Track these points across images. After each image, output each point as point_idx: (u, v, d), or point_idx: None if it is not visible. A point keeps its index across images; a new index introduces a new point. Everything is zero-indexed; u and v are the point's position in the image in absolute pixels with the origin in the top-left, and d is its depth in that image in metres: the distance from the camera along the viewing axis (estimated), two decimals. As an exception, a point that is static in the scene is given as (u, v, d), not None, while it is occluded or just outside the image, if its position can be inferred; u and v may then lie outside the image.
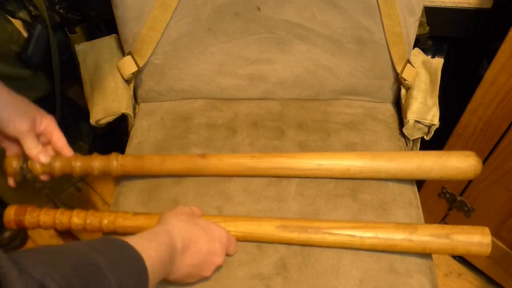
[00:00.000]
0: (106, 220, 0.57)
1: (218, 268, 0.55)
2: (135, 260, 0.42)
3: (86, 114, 0.73)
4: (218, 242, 0.53)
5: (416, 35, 0.71)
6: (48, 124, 0.59)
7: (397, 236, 0.56)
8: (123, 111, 0.71)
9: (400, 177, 0.63)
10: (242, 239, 0.58)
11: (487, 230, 0.55)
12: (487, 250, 0.55)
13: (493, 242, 0.91)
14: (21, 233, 1.07)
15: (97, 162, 0.60)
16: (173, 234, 0.49)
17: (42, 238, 1.09)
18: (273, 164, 0.63)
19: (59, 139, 0.61)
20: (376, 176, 0.63)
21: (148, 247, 0.44)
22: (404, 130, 0.70)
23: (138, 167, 0.61)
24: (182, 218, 0.52)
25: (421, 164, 0.61)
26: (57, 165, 0.59)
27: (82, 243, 0.40)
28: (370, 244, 0.56)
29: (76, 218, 0.58)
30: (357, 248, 0.57)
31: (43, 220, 0.57)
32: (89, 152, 1.18)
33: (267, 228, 0.57)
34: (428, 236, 0.55)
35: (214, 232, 0.54)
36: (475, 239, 0.55)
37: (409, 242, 0.55)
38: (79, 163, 0.60)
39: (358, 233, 0.56)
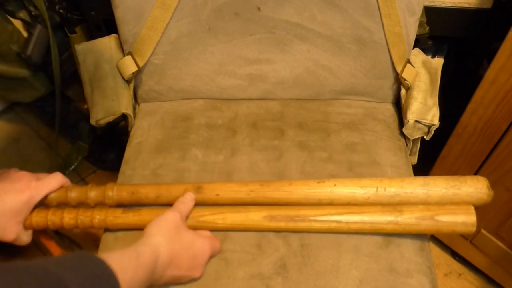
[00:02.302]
0: (97, 218, 0.58)
1: (195, 279, 0.55)
2: (107, 278, 0.41)
3: (86, 114, 0.73)
4: (199, 259, 0.54)
5: (416, 35, 0.71)
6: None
7: (383, 219, 0.56)
8: (123, 111, 0.71)
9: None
10: (231, 230, 0.59)
11: (472, 209, 0.55)
12: (472, 229, 0.55)
13: (493, 242, 0.91)
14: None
15: (93, 193, 0.60)
16: (156, 253, 0.48)
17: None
18: (272, 198, 0.60)
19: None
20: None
21: (127, 267, 0.44)
22: (404, 130, 0.70)
23: (133, 201, 0.61)
24: (167, 235, 0.51)
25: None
26: (53, 196, 0.59)
27: (53, 260, 0.40)
28: (357, 229, 0.57)
29: (67, 218, 0.58)
30: (344, 232, 0.58)
31: (35, 221, 0.57)
32: (89, 152, 1.19)
33: (255, 219, 0.58)
34: (414, 218, 0.55)
35: (197, 248, 0.54)
36: (460, 219, 0.55)
37: (395, 225, 0.56)
38: (74, 194, 0.60)
39: (344, 218, 0.57)
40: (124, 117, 0.74)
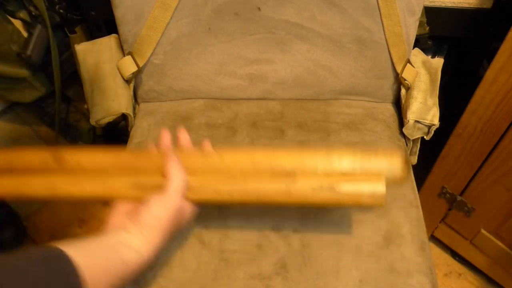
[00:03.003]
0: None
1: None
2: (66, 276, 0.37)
3: (86, 114, 0.73)
4: (183, 225, 0.51)
5: (416, 35, 0.71)
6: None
7: (272, 188, 0.48)
8: (123, 111, 0.71)
9: None
10: (92, 199, 0.56)
11: (381, 178, 0.47)
12: (381, 201, 0.47)
13: (493, 242, 0.91)
14: (21, 233, 1.07)
15: None
16: (145, 262, 0.45)
17: (42, 238, 1.09)
18: (140, 169, 0.52)
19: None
20: None
21: (101, 276, 0.40)
22: (404, 130, 0.70)
23: None
24: (167, 232, 0.47)
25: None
26: None
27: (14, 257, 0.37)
28: (241, 200, 0.49)
29: None
30: (229, 204, 0.51)
31: None
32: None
33: (117, 187, 0.50)
34: (309, 189, 0.47)
35: (184, 221, 0.50)
36: (366, 188, 0.47)
37: (286, 196, 0.47)
38: None
39: (226, 188, 0.49)
40: (124, 117, 0.74)
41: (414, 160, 0.75)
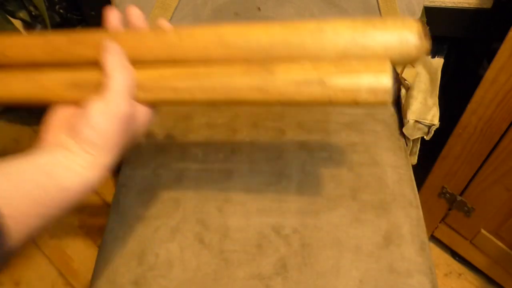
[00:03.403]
0: None
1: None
2: None
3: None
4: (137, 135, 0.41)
5: (416, 35, 0.71)
6: None
7: (244, 82, 0.37)
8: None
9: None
10: (18, 101, 0.43)
11: (386, 65, 0.36)
12: (385, 98, 0.36)
13: (493, 242, 0.91)
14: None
15: None
16: (90, 187, 0.37)
17: (42, 237, 1.09)
18: (80, 57, 0.40)
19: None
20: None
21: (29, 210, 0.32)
22: (404, 130, 0.70)
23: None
24: (116, 145, 0.37)
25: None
26: None
27: None
28: (206, 100, 0.38)
29: None
30: (189, 105, 0.40)
31: None
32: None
33: (50, 87, 0.40)
34: (292, 83, 0.36)
35: (139, 130, 0.40)
36: (365, 81, 0.36)
37: (261, 93, 0.37)
38: None
39: (185, 83, 0.39)
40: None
41: (414, 160, 0.75)
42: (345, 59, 0.37)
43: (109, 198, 1.15)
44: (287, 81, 0.36)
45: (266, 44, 0.38)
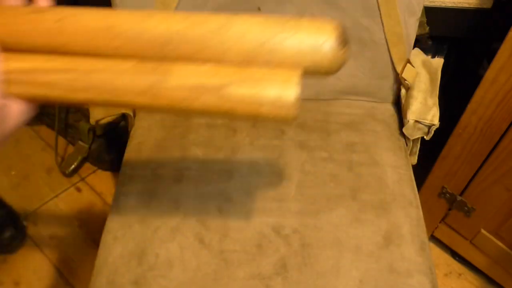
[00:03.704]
0: None
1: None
2: None
3: (86, 114, 0.73)
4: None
5: (416, 35, 0.71)
6: None
7: (130, 83, 0.32)
8: (123, 111, 0.71)
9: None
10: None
11: (294, 76, 0.30)
12: (289, 112, 0.30)
13: (493, 242, 0.91)
14: (21, 233, 1.07)
15: None
16: None
17: (42, 237, 1.09)
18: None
19: None
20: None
21: None
22: (404, 130, 0.70)
23: None
24: None
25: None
26: None
27: None
28: (85, 99, 0.33)
29: None
30: (70, 100, 0.34)
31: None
32: (89, 152, 1.19)
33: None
34: (186, 89, 0.31)
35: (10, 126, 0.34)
36: (269, 93, 0.30)
37: (153, 97, 0.31)
38: None
39: (60, 77, 0.33)
40: (124, 117, 0.74)
41: (414, 160, 0.75)
42: (250, 64, 0.31)
43: (109, 198, 1.15)
44: (180, 85, 0.31)
45: (162, 38, 0.32)
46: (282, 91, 0.30)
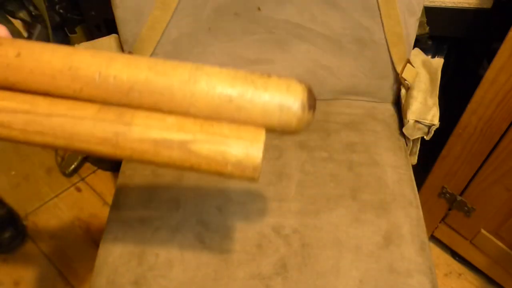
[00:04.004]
0: None
1: None
2: None
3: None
4: None
5: (416, 35, 0.71)
6: None
7: (90, 131, 0.31)
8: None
9: None
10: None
11: (259, 136, 0.31)
12: (253, 174, 0.31)
13: (493, 242, 0.91)
14: (21, 233, 1.07)
15: None
16: None
17: (42, 237, 1.09)
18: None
19: None
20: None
21: None
22: (404, 130, 0.70)
23: None
24: None
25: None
26: None
27: None
28: (41, 141, 0.31)
29: None
30: (25, 141, 0.31)
31: None
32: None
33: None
34: (150, 141, 0.30)
35: None
36: (233, 152, 0.30)
37: (113, 147, 0.31)
38: None
39: (19, 117, 0.31)
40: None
41: (414, 160, 0.75)
42: (216, 120, 0.31)
43: (109, 198, 1.15)
44: (143, 138, 0.30)
45: (126, 84, 0.31)
46: (247, 151, 0.30)
